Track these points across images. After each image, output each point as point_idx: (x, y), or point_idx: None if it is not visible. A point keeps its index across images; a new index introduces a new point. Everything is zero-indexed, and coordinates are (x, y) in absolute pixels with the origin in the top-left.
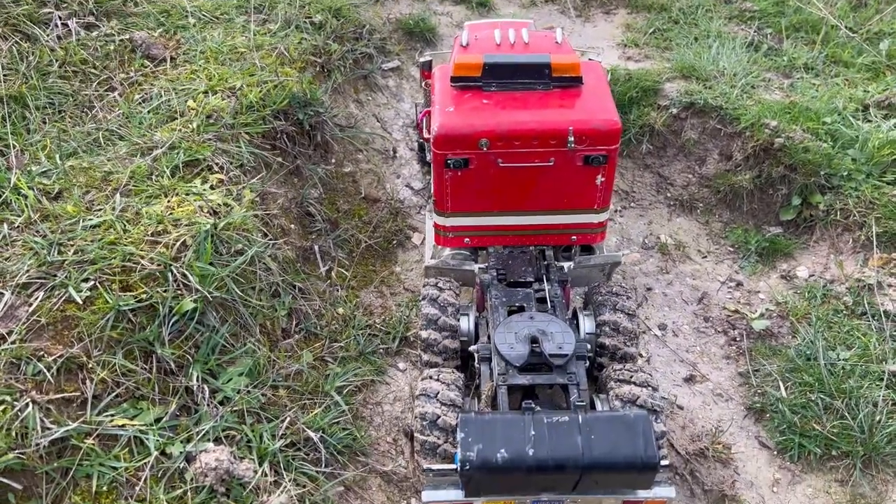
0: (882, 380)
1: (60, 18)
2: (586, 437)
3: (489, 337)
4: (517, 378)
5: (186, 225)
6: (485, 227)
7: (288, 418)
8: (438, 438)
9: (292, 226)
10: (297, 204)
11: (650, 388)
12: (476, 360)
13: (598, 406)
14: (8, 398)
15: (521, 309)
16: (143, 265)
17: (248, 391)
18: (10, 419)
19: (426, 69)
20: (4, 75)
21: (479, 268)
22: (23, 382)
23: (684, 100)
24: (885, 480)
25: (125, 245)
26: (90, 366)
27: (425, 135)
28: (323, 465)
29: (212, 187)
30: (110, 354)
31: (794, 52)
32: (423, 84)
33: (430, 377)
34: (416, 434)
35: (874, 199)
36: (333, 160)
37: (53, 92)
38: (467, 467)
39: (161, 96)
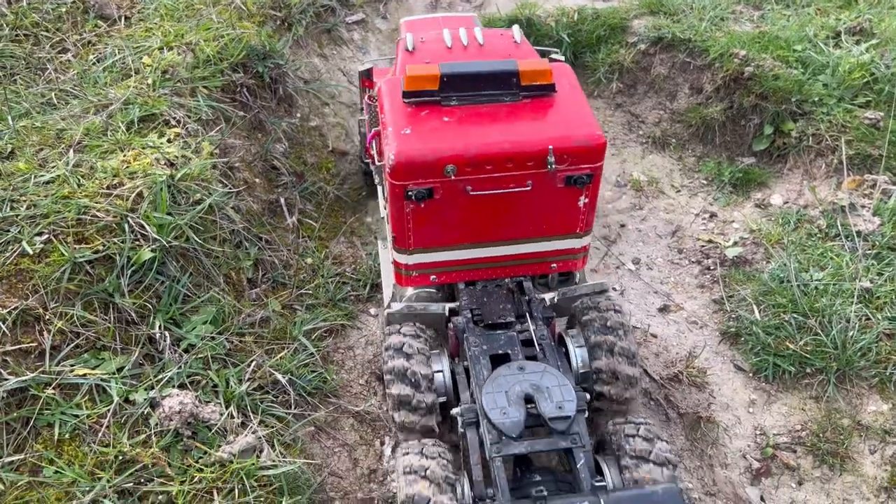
0: (854, 296)
1: None
2: None
3: (471, 395)
4: (512, 447)
5: (142, 177)
6: (453, 261)
7: (254, 363)
8: None
9: (257, 179)
10: (262, 158)
11: (671, 466)
12: (460, 426)
13: (605, 470)
14: None
15: (504, 356)
16: (98, 217)
17: (213, 338)
18: None
19: (366, 78)
20: None
21: (450, 308)
22: None
23: (652, 35)
24: (858, 394)
25: (80, 198)
26: (47, 317)
27: (378, 161)
28: (292, 407)
29: (169, 141)
30: (68, 306)
31: None
32: (364, 97)
33: (413, 456)
34: None
35: (846, 123)
36: (298, 114)
37: (4, 56)
38: None
39: (115, 55)
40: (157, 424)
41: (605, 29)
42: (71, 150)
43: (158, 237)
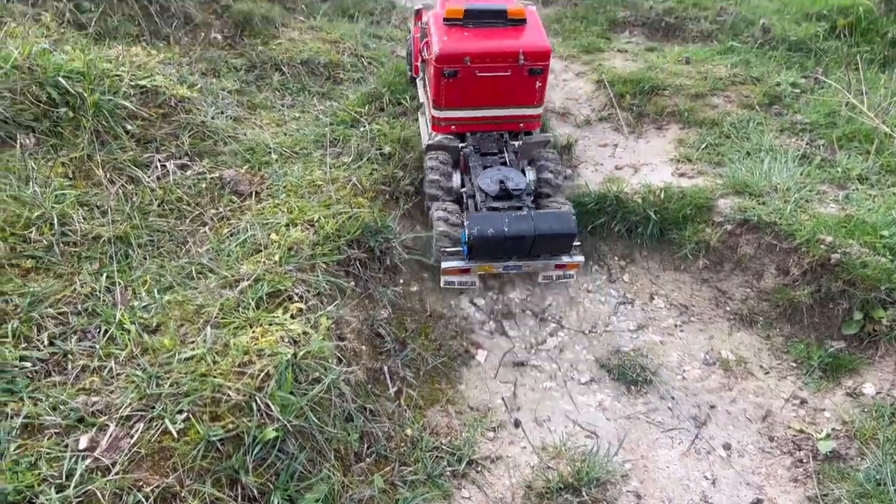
0: None
1: (160, 161)
2: (535, 221)
3: (471, 183)
4: (492, 203)
5: (269, 355)
6: (465, 118)
7: None
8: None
9: (363, 347)
10: (368, 326)
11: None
12: (465, 197)
13: None
14: None
15: (491, 166)
16: (230, 396)
17: None
18: None
19: (418, 14)
20: (113, 218)
21: (462, 145)
22: None
23: (738, 216)
24: None
25: (215, 377)
26: (183, 495)
27: (425, 56)
28: None
29: (292, 316)
30: (200, 483)
31: (847, 162)
32: (416, 23)
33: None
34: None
35: None
36: (402, 281)
37: (153, 230)
38: (473, 238)
39: (247, 230)
40: None
41: (690, 208)
42: (208, 327)
43: (281, 417)
